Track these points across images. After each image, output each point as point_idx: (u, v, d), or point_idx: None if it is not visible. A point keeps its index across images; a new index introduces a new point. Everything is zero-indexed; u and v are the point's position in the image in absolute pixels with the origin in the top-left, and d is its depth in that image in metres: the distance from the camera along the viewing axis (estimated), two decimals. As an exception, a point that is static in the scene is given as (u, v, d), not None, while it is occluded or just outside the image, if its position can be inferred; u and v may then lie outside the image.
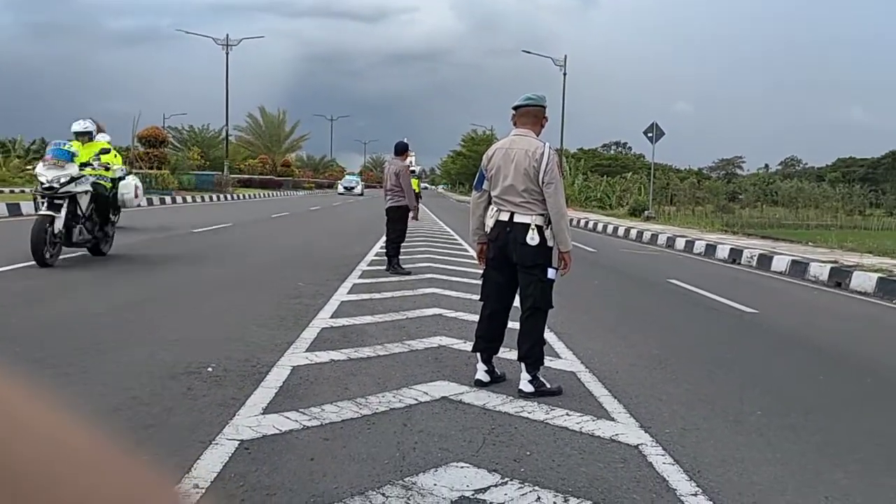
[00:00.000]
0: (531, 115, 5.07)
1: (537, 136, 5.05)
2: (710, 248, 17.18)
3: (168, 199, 31.35)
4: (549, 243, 4.90)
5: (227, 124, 50.02)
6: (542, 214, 4.87)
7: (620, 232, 23.41)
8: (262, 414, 4.08)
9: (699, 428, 4.34)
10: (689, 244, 18.26)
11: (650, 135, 28.36)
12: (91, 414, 4.00)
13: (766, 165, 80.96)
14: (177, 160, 43.22)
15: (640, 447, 3.91)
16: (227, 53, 45.31)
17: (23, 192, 34.71)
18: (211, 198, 37.35)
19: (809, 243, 18.61)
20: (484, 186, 5.12)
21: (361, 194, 59.29)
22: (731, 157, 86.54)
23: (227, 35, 45.55)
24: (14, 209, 18.57)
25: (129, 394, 4.32)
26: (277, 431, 3.81)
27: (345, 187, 61.50)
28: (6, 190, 36.70)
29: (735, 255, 15.94)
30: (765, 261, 14.71)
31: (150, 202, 28.43)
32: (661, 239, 20.07)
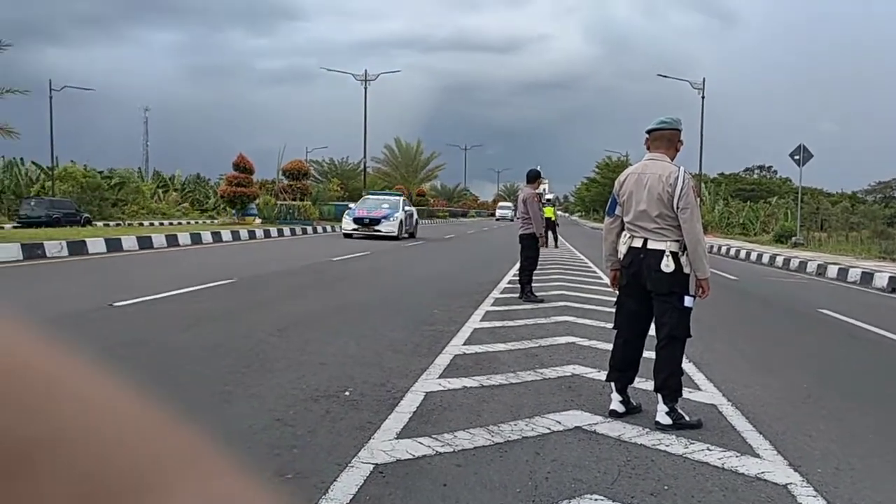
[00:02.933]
0: (665, 138, 4.96)
1: (672, 160, 4.93)
2: (867, 276, 16.04)
3: (309, 229, 32.69)
4: (685, 270, 4.74)
5: (365, 156, 51.91)
6: (677, 241, 4.73)
7: (765, 259, 22.31)
8: (397, 438, 4.15)
9: (854, 468, 4.04)
10: (843, 272, 17.14)
11: (797, 157, 26.98)
12: (242, 433, 4.22)
13: (930, 187, 74.74)
14: (318, 192, 45.12)
15: (788, 487, 3.68)
16: (365, 88, 47.12)
17: (179, 223, 37.27)
18: (350, 227, 38.59)
19: (982, 271, 17.04)
20: (616, 212, 5.03)
21: (402, 236, 27.52)
22: (888, 180, 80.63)
23: (366, 71, 47.40)
24: (172, 240, 19.97)
25: (274, 415, 4.52)
26: (411, 456, 3.87)
27: (355, 219, 27.51)
28: (166, 222, 39.53)
29: (895, 283, 14.81)
30: (929, 290, 13.58)
31: (292, 232, 29.77)
32: (811, 266, 18.93)
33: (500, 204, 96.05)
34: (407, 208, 28.80)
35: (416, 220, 30.58)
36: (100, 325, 7.35)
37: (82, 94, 52.18)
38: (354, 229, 26.89)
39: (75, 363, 0.32)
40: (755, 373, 6.43)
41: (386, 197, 30.02)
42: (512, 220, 58.58)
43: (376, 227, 26.45)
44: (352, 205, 30.15)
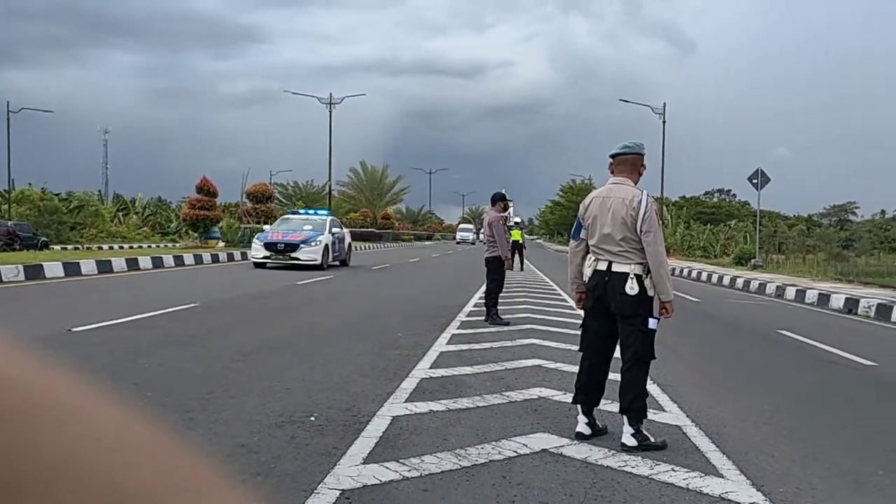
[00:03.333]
0: (628, 162, 5.04)
1: (635, 184, 5.01)
2: (823, 298, 16.38)
3: (274, 252, 32.42)
4: (650, 293, 4.80)
5: (330, 180, 51.80)
6: (640, 263, 4.79)
7: (726, 281, 22.67)
8: (363, 464, 4.12)
9: (816, 488, 4.11)
10: (800, 293, 17.48)
11: (755, 181, 27.57)
12: (205, 460, 4.17)
13: (883, 211, 76.79)
14: (282, 215, 44.87)
15: (751, 506, 3.73)
16: (330, 112, 47.10)
17: (140, 247, 36.74)
18: (314, 251, 38.37)
19: (934, 292, 17.47)
20: (581, 235, 5.09)
21: (330, 263, 22.74)
22: (843, 203, 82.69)
23: (331, 94, 47.40)
24: (133, 264, 19.65)
25: (238, 442, 4.46)
26: (377, 481, 3.84)
27: (268, 245, 22.21)
28: (126, 246, 38.97)
29: (851, 304, 15.14)
30: (884, 311, 13.90)
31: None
32: (770, 288, 19.28)
33: (462, 226, 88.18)
34: (336, 230, 23.56)
35: (350, 244, 25.36)
36: (58, 351, 7.18)
37: (41, 116, 51.56)
38: (266, 257, 21.55)
39: (31, 391, 0.32)
40: (718, 394, 6.51)
41: (310, 216, 24.73)
42: (474, 244, 57.06)
43: (293, 255, 21.27)
44: (266, 227, 24.96)
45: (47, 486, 0.28)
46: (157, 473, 0.32)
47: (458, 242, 76.35)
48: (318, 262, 21.40)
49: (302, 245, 21.45)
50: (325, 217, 24.46)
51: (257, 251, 22.07)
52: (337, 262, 23.41)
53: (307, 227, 22.73)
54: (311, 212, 26.63)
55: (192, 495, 0.32)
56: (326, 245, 21.97)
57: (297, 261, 21.22)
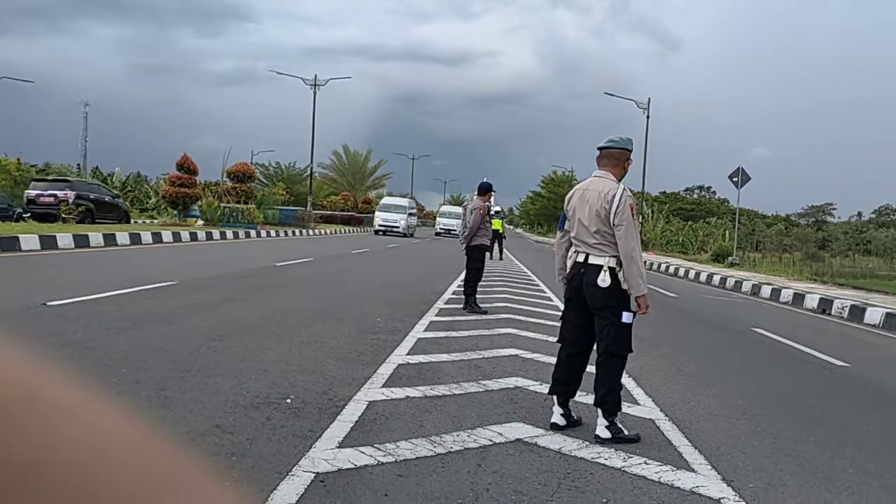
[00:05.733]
0: (612, 157, 5.07)
1: (618, 178, 5.02)
2: (798, 297, 16.58)
3: (253, 232, 32.25)
4: (624, 286, 4.83)
5: (312, 161, 51.43)
6: (615, 256, 4.82)
7: (703, 277, 22.85)
8: (338, 447, 4.12)
9: (786, 484, 4.16)
10: (776, 292, 17.67)
11: (735, 179, 27.77)
12: (180, 439, 4.13)
13: (859, 213, 78.06)
14: (263, 195, 44.55)
15: (721, 501, 3.77)
16: (314, 93, 46.76)
17: (118, 222, 36.30)
18: (294, 232, 38.27)
19: (906, 295, 17.73)
20: (566, 227, 5.12)
21: None
22: (821, 204, 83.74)
23: (316, 76, 47.05)
24: (110, 239, 19.46)
25: (213, 422, 4.44)
26: (352, 466, 3.84)
27: None
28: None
29: (825, 305, 15.33)
30: (857, 312, 14.10)
31: (235, 235, 29.33)
32: (746, 286, 19.48)
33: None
34: None
35: None
36: (31, 325, 7.11)
37: (20, 86, 50.79)
38: None
39: (2, 366, 0.32)
40: (692, 389, 6.58)
41: None
42: (405, 236, 45.43)
43: None
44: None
45: (20, 482, 0.28)
46: (89, 465, 0.31)
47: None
48: None
49: None
50: None
51: None
52: None
53: None
54: None
55: (125, 487, 0.32)
56: None
57: None
